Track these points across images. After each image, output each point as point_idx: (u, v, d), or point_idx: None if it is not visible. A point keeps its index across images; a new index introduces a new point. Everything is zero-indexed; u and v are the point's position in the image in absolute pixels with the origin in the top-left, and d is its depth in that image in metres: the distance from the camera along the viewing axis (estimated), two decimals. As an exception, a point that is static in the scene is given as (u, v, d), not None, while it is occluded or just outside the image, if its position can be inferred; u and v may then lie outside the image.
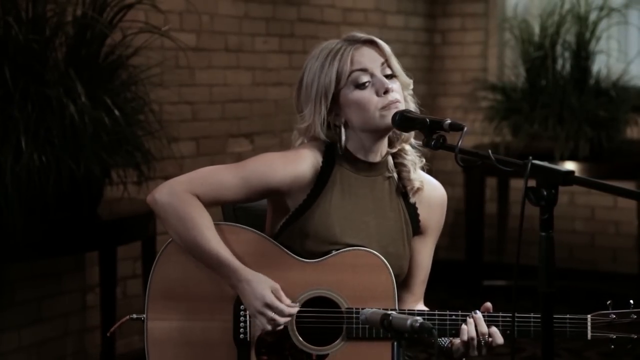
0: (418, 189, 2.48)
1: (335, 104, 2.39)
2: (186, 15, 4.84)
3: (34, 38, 3.62)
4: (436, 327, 2.36)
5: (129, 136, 3.78)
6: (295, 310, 2.32)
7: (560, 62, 5.86)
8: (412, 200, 2.49)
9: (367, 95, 2.36)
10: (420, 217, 2.50)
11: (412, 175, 2.47)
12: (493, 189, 6.45)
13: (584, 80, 5.80)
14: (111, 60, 3.89)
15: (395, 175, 2.48)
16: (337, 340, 2.36)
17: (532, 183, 1.94)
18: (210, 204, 2.37)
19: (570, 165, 5.62)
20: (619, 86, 5.81)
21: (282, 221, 2.44)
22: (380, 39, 2.44)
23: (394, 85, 2.38)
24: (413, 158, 2.49)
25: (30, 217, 3.57)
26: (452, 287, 6.29)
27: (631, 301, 2.38)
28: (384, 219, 2.45)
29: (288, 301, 2.32)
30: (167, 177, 4.46)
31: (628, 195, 1.86)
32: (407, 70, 2.46)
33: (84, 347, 4.43)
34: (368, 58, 2.38)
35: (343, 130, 2.40)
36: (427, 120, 2.25)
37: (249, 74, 5.28)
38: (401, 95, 2.39)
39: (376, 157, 2.44)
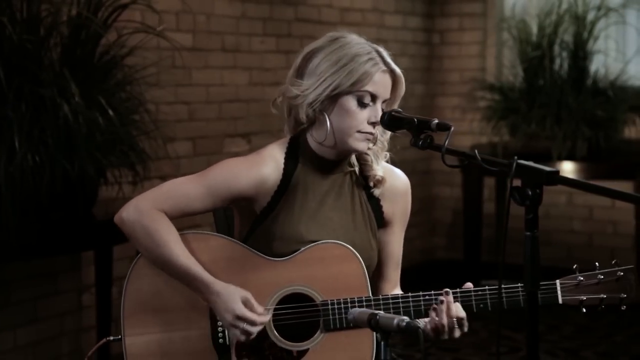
0: (379, 180, 2.49)
1: (331, 99, 2.38)
2: (182, 15, 4.85)
3: (28, 38, 3.62)
4: (411, 309, 2.39)
5: (123, 136, 3.78)
6: (267, 318, 2.34)
7: (557, 61, 5.86)
8: (375, 193, 2.50)
9: (361, 114, 2.37)
10: (384, 209, 2.52)
11: (374, 166, 2.49)
12: (491, 189, 6.46)
13: (581, 80, 5.80)
14: (106, 60, 3.90)
15: (357, 168, 2.50)
16: (316, 334, 2.38)
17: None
18: (177, 217, 2.39)
19: (567, 165, 5.62)
20: (616, 86, 5.81)
21: (249, 225, 2.46)
22: (380, 40, 2.46)
23: None
24: (375, 149, 2.48)
25: (24, 218, 3.58)
26: (450, 286, 6.27)
27: (597, 263, 2.46)
28: (347, 213, 2.47)
29: (260, 309, 2.33)
30: (163, 177, 4.51)
31: (613, 195, 1.87)
32: (405, 70, 2.48)
33: (79, 346, 4.43)
34: (383, 87, 2.39)
35: (328, 121, 2.38)
36: (415, 120, 2.26)
37: (246, 74, 5.28)
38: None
39: (339, 156, 2.46)
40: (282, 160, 2.44)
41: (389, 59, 2.41)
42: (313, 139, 2.44)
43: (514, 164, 1.92)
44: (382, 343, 2.09)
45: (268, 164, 2.42)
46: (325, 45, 2.40)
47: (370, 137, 2.39)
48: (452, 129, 2.17)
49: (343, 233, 2.43)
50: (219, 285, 2.33)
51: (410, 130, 2.27)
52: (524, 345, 5.08)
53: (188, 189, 2.39)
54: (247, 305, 2.32)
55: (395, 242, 2.57)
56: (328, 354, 2.38)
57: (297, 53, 2.48)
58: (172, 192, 2.39)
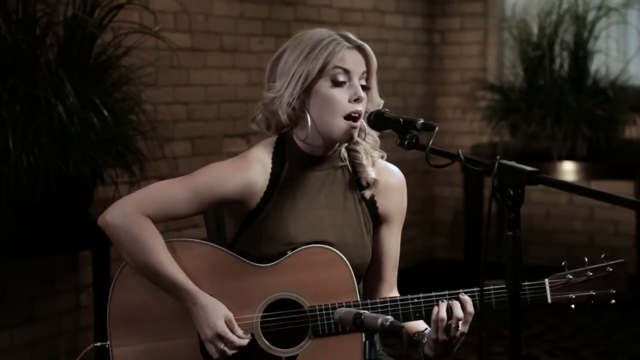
0: (372, 182, 2.45)
1: (307, 91, 2.36)
2: (180, 15, 4.85)
3: (23, 38, 3.63)
4: (400, 312, 2.37)
5: (118, 136, 3.78)
6: (245, 342, 2.32)
7: (558, 61, 5.86)
8: (368, 193, 2.46)
9: (339, 95, 2.34)
10: (378, 205, 2.48)
11: (367, 167, 2.45)
12: (492, 189, 6.45)
13: (581, 79, 5.80)
14: (102, 61, 3.90)
15: (349, 165, 2.46)
16: (305, 340, 2.37)
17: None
18: (162, 220, 2.36)
19: (568, 165, 5.63)
20: (617, 86, 5.81)
21: (237, 228, 2.44)
22: (370, 43, 2.45)
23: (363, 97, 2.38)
24: (365, 145, 2.46)
25: (19, 217, 3.58)
26: (451, 287, 6.27)
27: (586, 259, 2.44)
28: (338, 210, 2.44)
29: (240, 332, 2.32)
30: (161, 177, 4.52)
31: (594, 196, 1.86)
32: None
33: (77, 347, 4.43)
34: (354, 62, 2.37)
35: (309, 116, 2.36)
36: (401, 120, 2.26)
37: (245, 74, 5.28)
38: (364, 109, 2.38)
39: (327, 152, 2.43)
40: (270, 162, 2.41)
41: (354, 37, 2.39)
42: (298, 137, 2.41)
43: (496, 164, 1.92)
44: (367, 342, 2.10)
45: (255, 167, 2.39)
46: (288, 45, 2.40)
47: (356, 122, 2.34)
48: (437, 129, 2.18)
49: (334, 232, 2.41)
50: (204, 298, 2.31)
51: (396, 130, 2.27)
52: (524, 346, 5.09)
53: (174, 193, 2.35)
54: (228, 325, 2.31)
55: (391, 239, 2.52)
56: (317, 359, 2.37)
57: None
58: (157, 195, 2.35)
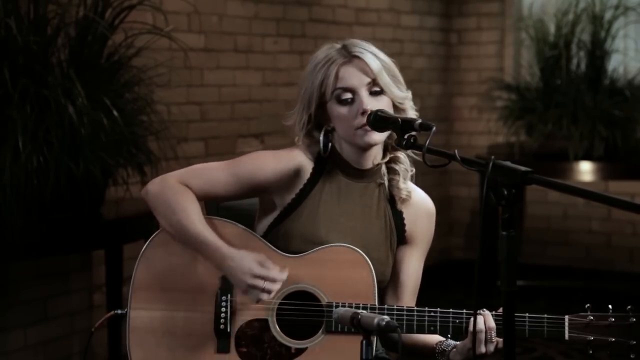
0: (404, 199, 2.50)
1: (324, 112, 2.43)
2: (194, 16, 4.87)
3: (34, 39, 3.65)
4: (414, 323, 2.36)
5: (128, 137, 3.80)
6: (285, 275, 2.33)
7: (575, 61, 5.83)
8: (399, 208, 2.51)
9: (347, 112, 2.39)
10: (407, 227, 2.53)
11: (402, 185, 2.50)
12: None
13: (598, 79, 5.76)
14: (113, 61, 3.92)
15: (386, 182, 2.50)
16: (317, 334, 2.38)
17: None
18: (202, 196, 2.44)
19: (584, 165, 5.59)
20: (634, 85, 5.77)
21: (270, 221, 2.48)
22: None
23: (378, 103, 2.39)
24: (406, 166, 2.51)
25: (29, 217, 3.60)
26: (467, 287, 6.27)
27: (610, 306, 2.39)
28: (370, 225, 2.48)
29: (277, 268, 2.33)
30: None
31: (590, 197, 1.85)
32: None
33: (90, 346, 4.45)
34: (353, 75, 2.40)
35: (335, 135, 2.44)
36: (399, 120, 2.27)
37: (259, 75, 5.29)
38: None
39: (367, 164, 2.47)
40: (312, 161, 2.46)
41: (353, 48, 2.41)
42: (342, 145, 2.47)
43: (490, 164, 1.92)
44: (364, 342, 2.11)
45: (296, 161, 2.44)
46: (306, 68, 2.46)
47: (369, 128, 2.37)
48: (434, 129, 2.18)
49: (362, 245, 2.43)
50: (232, 250, 2.35)
51: (395, 130, 2.28)
52: (539, 346, 5.07)
53: (216, 172, 2.43)
54: (263, 265, 2.32)
55: (412, 262, 2.55)
56: (325, 355, 2.38)
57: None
58: (199, 172, 2.44)
